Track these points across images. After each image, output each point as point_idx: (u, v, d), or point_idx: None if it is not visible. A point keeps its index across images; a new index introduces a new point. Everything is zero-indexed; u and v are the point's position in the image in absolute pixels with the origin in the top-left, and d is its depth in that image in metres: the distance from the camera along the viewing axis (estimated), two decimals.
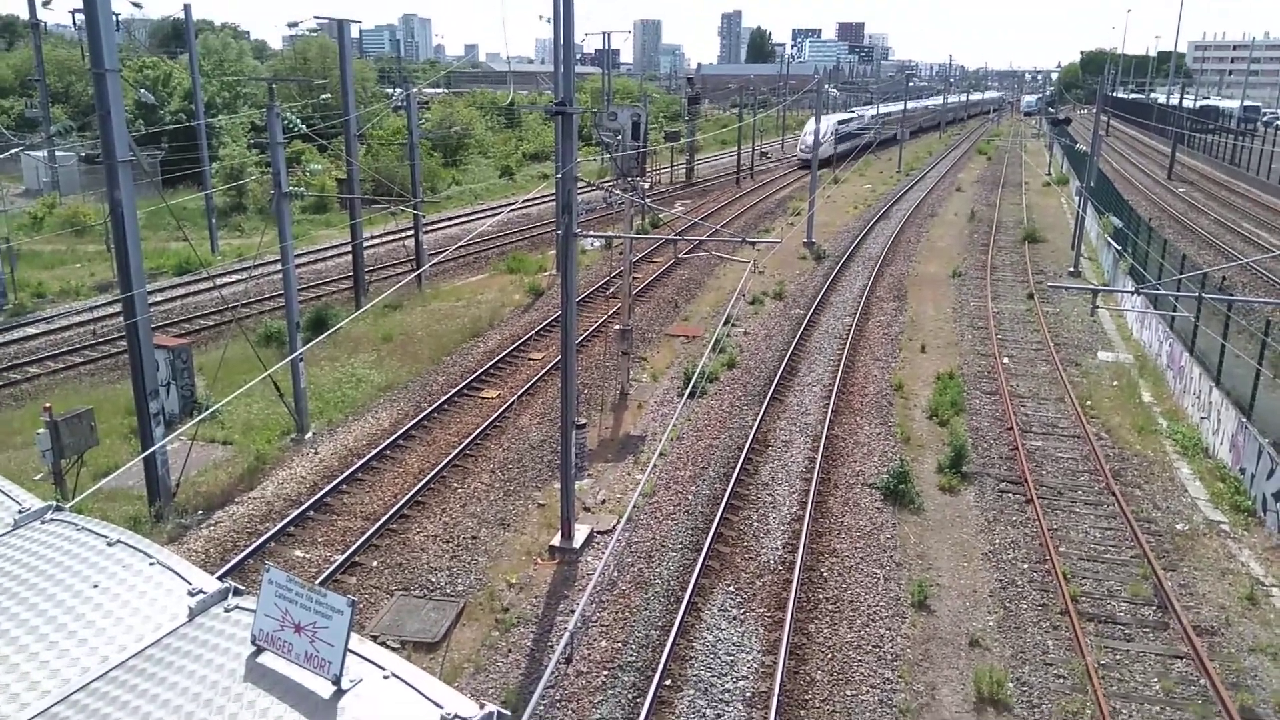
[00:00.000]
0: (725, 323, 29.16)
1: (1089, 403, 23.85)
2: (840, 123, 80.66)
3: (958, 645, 13.99)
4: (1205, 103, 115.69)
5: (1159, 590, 15.27)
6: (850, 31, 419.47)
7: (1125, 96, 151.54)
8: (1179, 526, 17.63)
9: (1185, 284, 24.58)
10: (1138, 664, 13.61)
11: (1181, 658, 13.71)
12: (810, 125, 74.99)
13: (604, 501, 18.21)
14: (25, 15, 44.42)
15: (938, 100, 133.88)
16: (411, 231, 35.27)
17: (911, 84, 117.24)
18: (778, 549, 16.48)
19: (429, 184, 52.53)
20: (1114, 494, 18.62)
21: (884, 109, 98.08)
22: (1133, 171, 76.40)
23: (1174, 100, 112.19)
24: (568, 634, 13.35)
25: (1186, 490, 19.14)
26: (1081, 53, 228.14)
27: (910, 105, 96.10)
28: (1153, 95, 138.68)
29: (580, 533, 16.48)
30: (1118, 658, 13.74)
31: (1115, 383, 25.48)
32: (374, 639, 12.91)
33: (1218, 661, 13.50)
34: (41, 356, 26.26)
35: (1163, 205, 56.94)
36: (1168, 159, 75.15)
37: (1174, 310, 24.54)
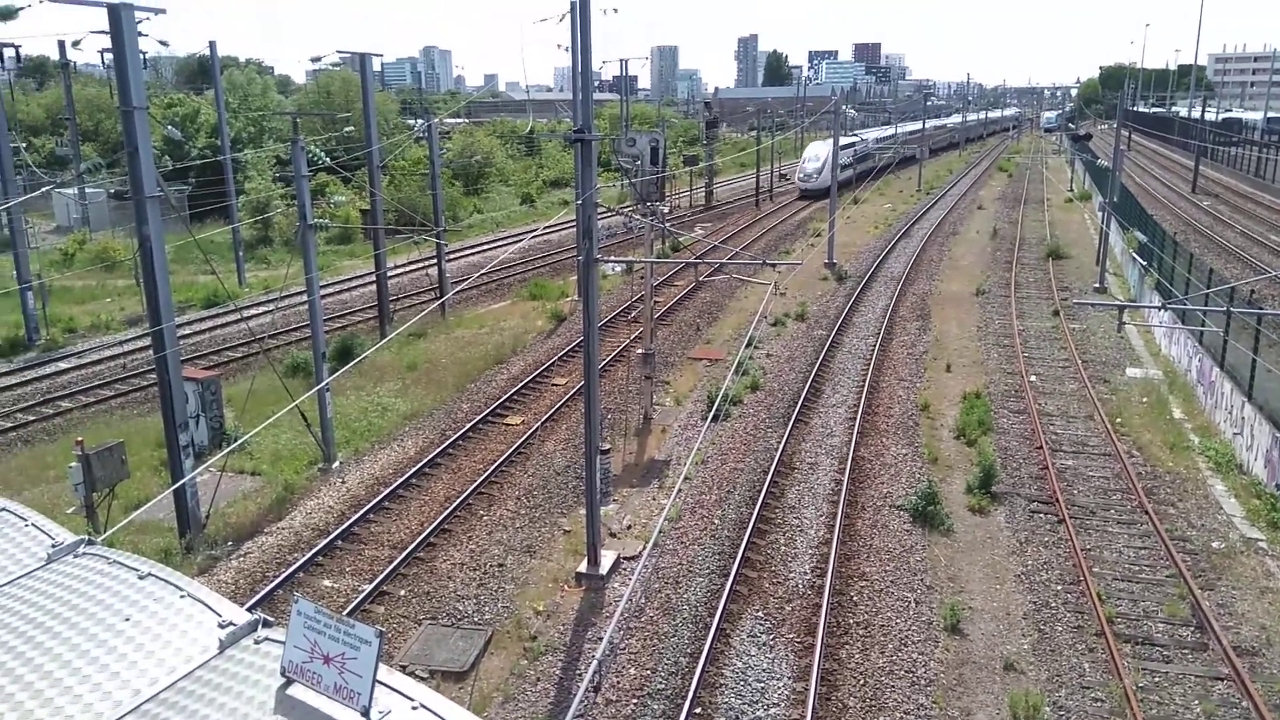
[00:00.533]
0: (748, 345, 29.10)
1: (1119, 420, 23.55)
2: (843, 148, 73.00)
3: (992, 669, 13.77)
4: (1228, 115, 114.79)
5: (1197, 610, 14.97)
6: (867, 52, 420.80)
7: (1146, 111, 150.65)
8: (1215, 545, 17.31)
9: (1213, 298, 24.27)
10: (1177, 686, 13.33)
11: (1222, 679, 13.41)
12: (809, 152, 71.82)
13: (630, 527, 18.14)
14: (56, 56, 45.47)
15: (956, 119, 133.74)
16: (434, 260, 35.56)
17: (930, 103, 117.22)
18: (806, 573, 16.33)
19: (451, 213, 53.01)
20: (1147, 512, 18.32)
21: (900, 128, 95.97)
22: (1156, 186, 75.82)
23: (1196, 113, 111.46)
24: (596, 662, 13.26)
25: (1221, 507, 18.81)
26: (1100, 68, 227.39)
27: (927, 125, 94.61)
28: (1174, 109, 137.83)
29: (606, 559, 16.41)
30: (1156, 680, 13.46)
31: (1145, 399, 25.15)
32: (403, 668, 12.90)
33: (1260, 683, 13.19)
34: (73, 390, 26.63)
35: (1187, 219, 56.42)
36: (1191, 173, 74.54)
37: (1202, 325, 24.23)
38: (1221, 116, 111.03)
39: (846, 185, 70.83)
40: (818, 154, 70.00)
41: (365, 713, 2.90)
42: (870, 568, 16.54)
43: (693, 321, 33.52)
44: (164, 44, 38.35)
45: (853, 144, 77.05)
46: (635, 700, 13.07)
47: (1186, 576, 15.85)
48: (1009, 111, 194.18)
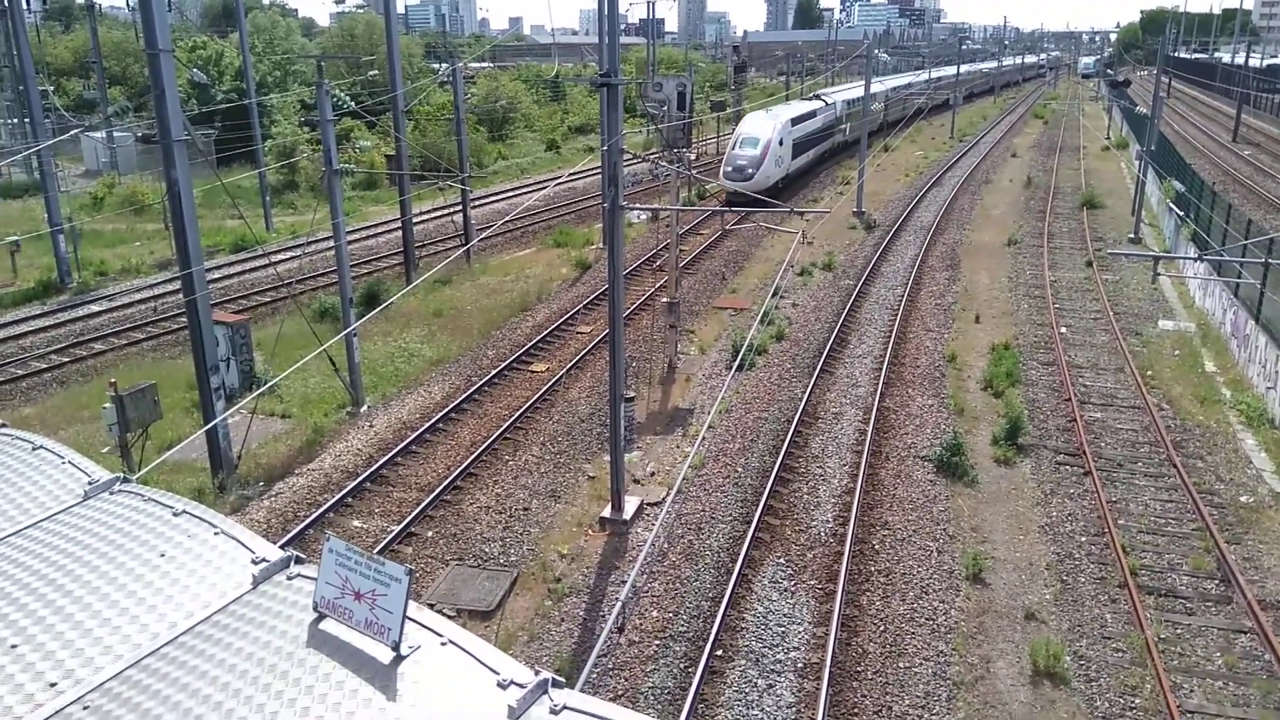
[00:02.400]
0: (773, 295, 28.93)
1: (1149, 373, 23.28)
2: (798, 120, 49.13)
3: (1013, 618, 13.84)
4: (1273, 61, 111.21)
5: (1222, 563, 14.91)
6: None
7: (1188, 57, 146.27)
8: (1243, 499, 17.18)
9: (1251, 250, 23.76)
10: (1199, 638, 13.34)
11: (1245, 632, 13.40)
12: (744, 128, 45.89)
13: (653, 474, 18.26)
14: None
15: (991, 64, 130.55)
16: (459, 207, 35.46)
17: (965, 47, 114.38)
18: (828, 521, 16.41)
19: (476, 159, 52.75)
20: (1175, 465, 18.19)
21: (919, 76, 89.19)
22: (1195, 134, 73.93)
23: (1239, 60, 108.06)
24: (620, 604, 13.45)
25: (1251, 462, 18.62)
26: (1141, 12, 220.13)
27: (954, 70, 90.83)
28: (1217, 55, 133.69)
29: (630, 504, 16.56)
30: (1179, 632, 13.48)
31: (1177, 352, 24.81)
32: (430, 607, 13.16)
33: None
34: (105, 333, 26.99)
35: (1227, 169, 55.05)
36: (1232, 121, 72.56)
37: (1239, 277, 23.76)
38: (1266, 63, 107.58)
39: (807, 175, 52.42)
40: (757, 132, 44.69)
41: (395, 647, 2.95)
42: (893, 517, 16.59)
43: (718, 270, 33.32)
44: None
45: (813, 112, 52.66)
46: (658, 641, 13.28)
47: (1213, 530, 15.77)
48: (1044, 57, 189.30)
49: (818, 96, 57.55)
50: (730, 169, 43.34)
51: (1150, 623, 13.55)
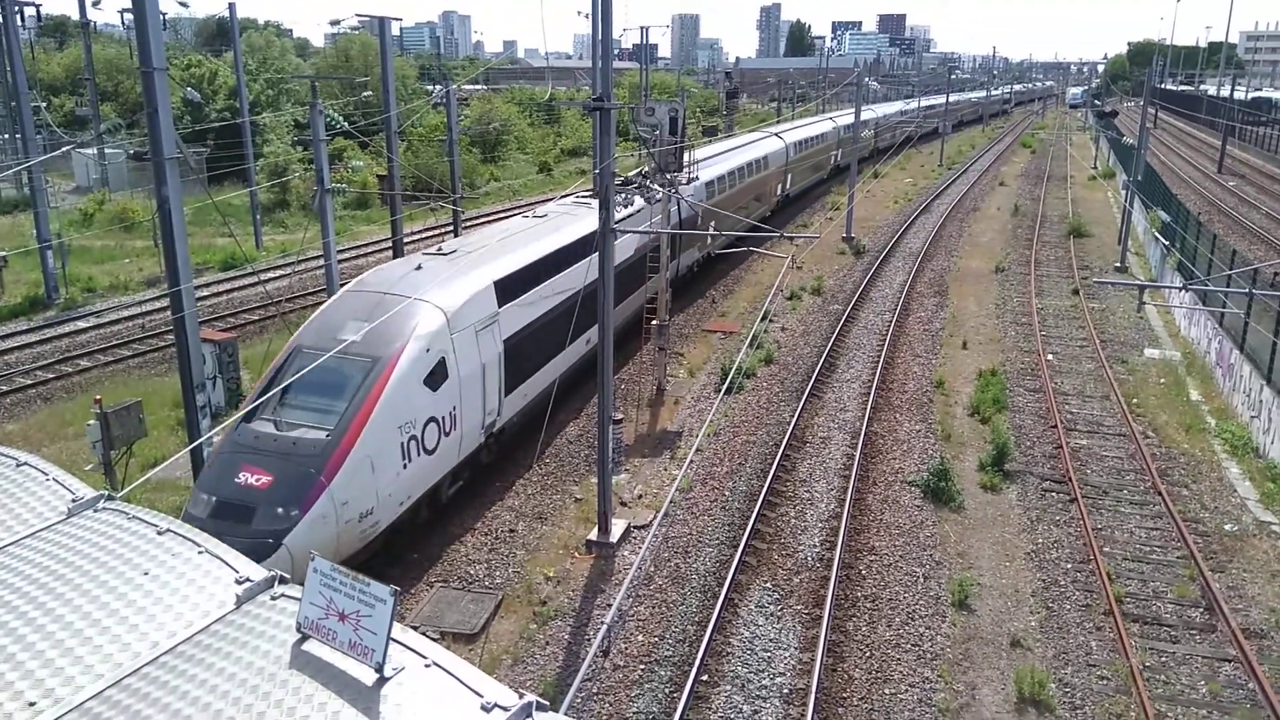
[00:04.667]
0: (763, 318, 29.03)
1: (1135, 400, 23.42)
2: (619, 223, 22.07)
3: (999, 645, 13.83)
4: (1258, 94, 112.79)
5: (1206, 592, 14.96)
6: (891, 24, 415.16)
7: (1174, 89, 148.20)
8: (1228, 527, 17.25)
9: (1235, 280, 24.01)
10: (1184, 666, 13.35)
11: (1230, 661, 13.42)
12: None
13: (641, 496, 18.23)
14: (76, 15, 45.41)
15: (980, 94, 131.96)
16: (451, 227, 35.50)
17: (954, 76, 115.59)
18: (815, 546, 16.39)
19: (468, 180, 52.89)
20: (1160, 493, 18.27)
21: (896, 107, 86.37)
22: (1181, 165, 74.77)
23: (1224, 92, 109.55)
24: (605, 627, 13.39)
25: (1236, 490, 18.72)
26: (1129, 44, 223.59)
27: (930, 101, 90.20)
28: (1203, 87, 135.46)
29: (617, 527, 16.52)
30: (1163, 660, 13.49)
31: (1162, 380, 24.98)
32: (414, 629, 13.06)
33: (1268, 665, 13.20)
34: (92, 350, 26.85)
35: (1212, 199, 55.67)
36: (1218, 152, 73.44)
37: (1224, 307, 23.98)
38: (1251, 95, 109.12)
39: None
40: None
41: (379, 669, 2.95)
42: (880, 542, 16.59)
43: (707, 293, 33.43)
44: (184, 4, 38.13)
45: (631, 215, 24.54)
46: (643, 666, 13.21)
47: (1197, 558, 15.82)
48: (1030, 86, 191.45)
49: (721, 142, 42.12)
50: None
51: (1135, 650, 13.56)
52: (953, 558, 16.17)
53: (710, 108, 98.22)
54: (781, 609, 14.57)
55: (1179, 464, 19.91)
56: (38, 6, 33.27)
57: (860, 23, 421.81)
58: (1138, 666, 13.15)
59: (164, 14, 21.35)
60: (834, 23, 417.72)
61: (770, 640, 13.80)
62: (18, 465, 4.51)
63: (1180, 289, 28.97)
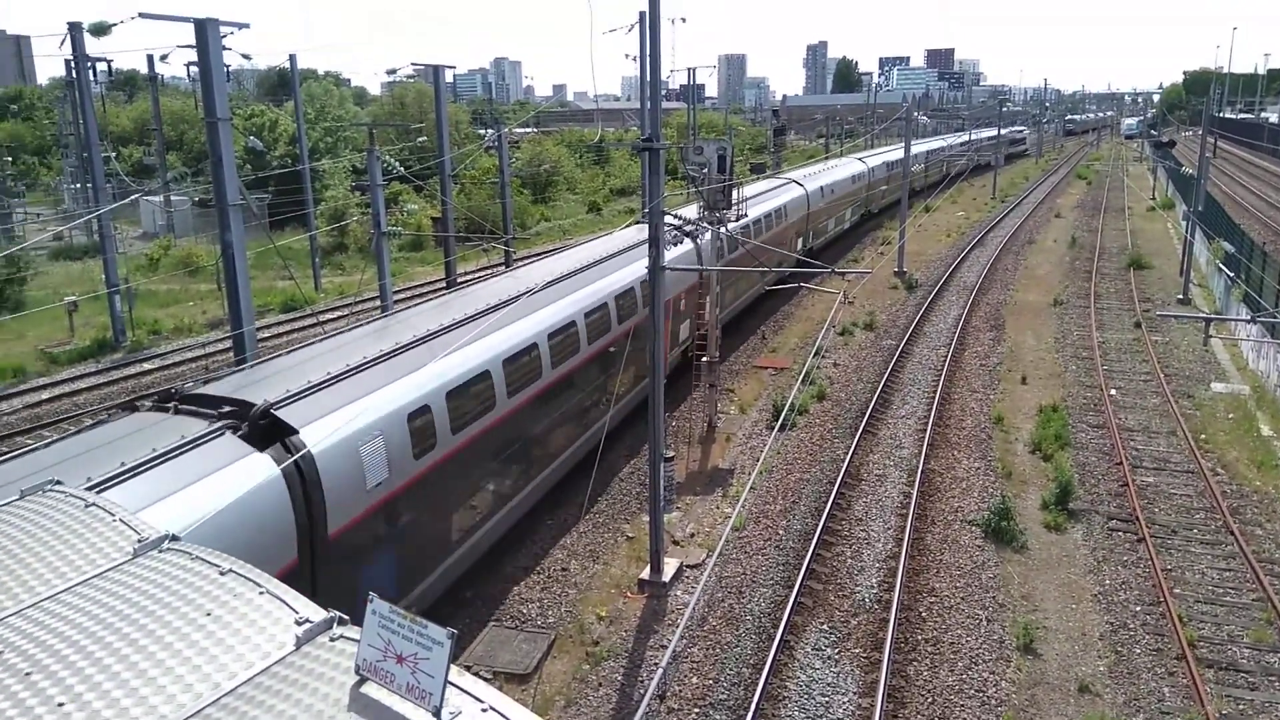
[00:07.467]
0: (814, 354, 28.79)
1: (1203, 436, 22.69)
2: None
3: (1066, 691, 13.36)
4: None
5: None
6: (939, 58, 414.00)
7: (1233, 117, 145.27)
8: None
9: None
10: (1263, 715, 12.75)
11: None
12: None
13: (693, 535, 18.07)
14: (145, 69, 47.30)
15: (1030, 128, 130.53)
16: (503, 267, 36.00)
17: (1005, 109, 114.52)
18: (873, 587, 16.06)
19: (519, 221, 53.67)
20: (1233, 533, 17.60)
21: (932, 143, 79.44)
22: (1244, 194, 73.02)
23: None
24: (660, 670, 13.23)
25: None
26: (1185, 73, 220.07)
27: (955, 140, 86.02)
28: (1263, 115, 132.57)
29: (669, 566, 16.37)
30: (1241, 708, 12.91)
31: (1231, 415, 24.19)
32: (468, 669, 13.03)
33: None
34: (156, 391, 27.54)
35: (1278, 228, 54.20)
36: None
37: None
38: None
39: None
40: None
41: (436, 713, 2.93)
42: (940, 583, 16.20)
43: (758, 329, 33.31)
44: (247, 57, 39.43)
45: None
46: (697, 710, 12.99)
47: (1274, 600, 15.17)
48: (1084, 117, 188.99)
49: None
50: None
51: (1211, 697, 13.00)
52: (1016, 600, 15.72)
53: (758, 145, 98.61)
54: (839, 652, 14.27)
55: (1251, 502, 19.19)
56: (109, 62, 34.72)
57: (908, 58, 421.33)
58: (1214, 715, 12.59)
59: (228, 66, 22.13)
60: (881, 59, 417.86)
61: (828, 684, 13.50)
62: (86, 506, 4.62)
63: (1248, 321, 28.14)
